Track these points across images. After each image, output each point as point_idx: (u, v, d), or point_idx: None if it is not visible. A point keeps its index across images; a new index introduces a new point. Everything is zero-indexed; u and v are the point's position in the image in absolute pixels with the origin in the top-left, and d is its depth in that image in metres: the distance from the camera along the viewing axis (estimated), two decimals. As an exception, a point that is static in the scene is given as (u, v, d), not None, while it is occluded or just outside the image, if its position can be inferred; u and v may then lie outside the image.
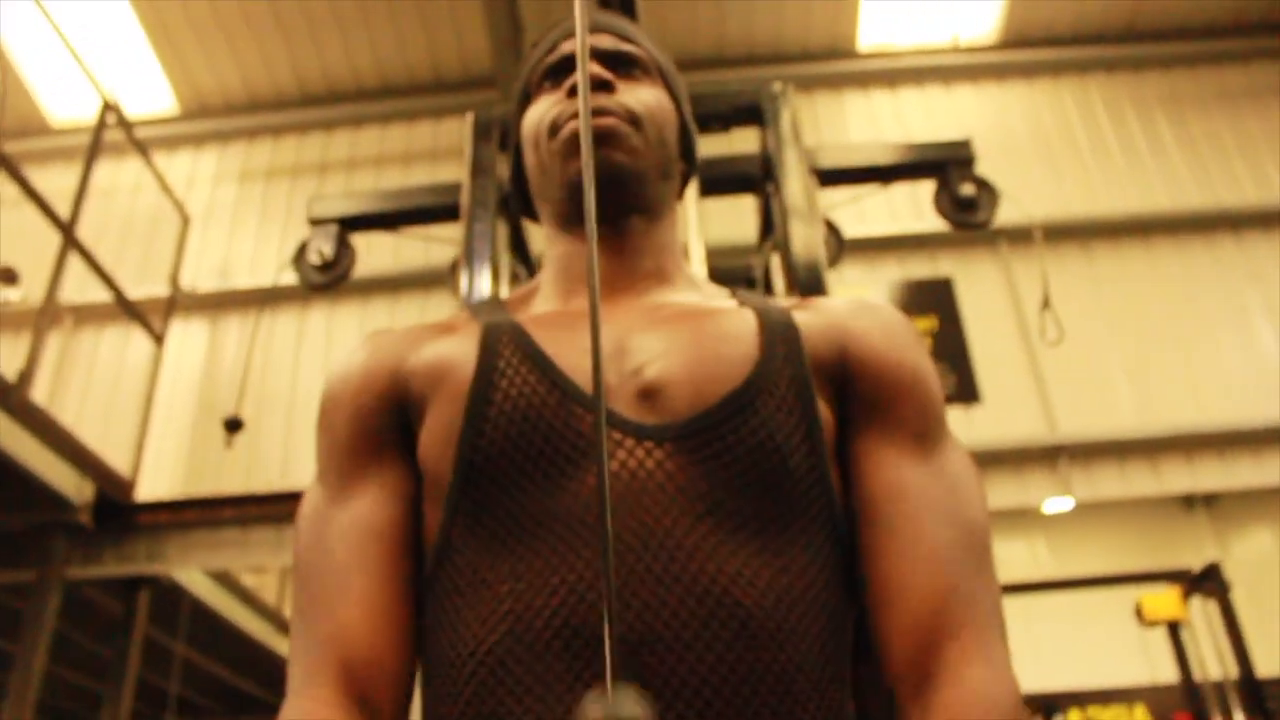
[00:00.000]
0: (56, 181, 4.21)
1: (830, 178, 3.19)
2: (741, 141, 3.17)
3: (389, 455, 0.92)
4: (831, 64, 6.05)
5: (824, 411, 0.91)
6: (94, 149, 4.55)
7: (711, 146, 2.87)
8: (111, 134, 4.79)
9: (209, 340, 5.46)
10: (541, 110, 1.02)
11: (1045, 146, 5.68)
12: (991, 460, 4.90)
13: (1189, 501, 5.20)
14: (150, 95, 5.95)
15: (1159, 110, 5.86)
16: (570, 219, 1.03)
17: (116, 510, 4.50)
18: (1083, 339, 5.07)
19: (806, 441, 0.89)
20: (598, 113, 0.97)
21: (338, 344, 5.37)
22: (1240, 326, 5.21)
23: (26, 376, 3.93)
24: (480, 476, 0.86)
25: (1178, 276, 5.35)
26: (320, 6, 5.68)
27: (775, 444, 0.87)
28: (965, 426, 4.97)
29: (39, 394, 4.05)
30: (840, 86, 6.03)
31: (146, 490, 4.71)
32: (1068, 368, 5.05)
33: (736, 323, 0.96)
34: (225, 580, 5.25)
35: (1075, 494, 4.81)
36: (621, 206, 1.00)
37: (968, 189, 3.19)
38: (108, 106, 4.73)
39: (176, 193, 5.39)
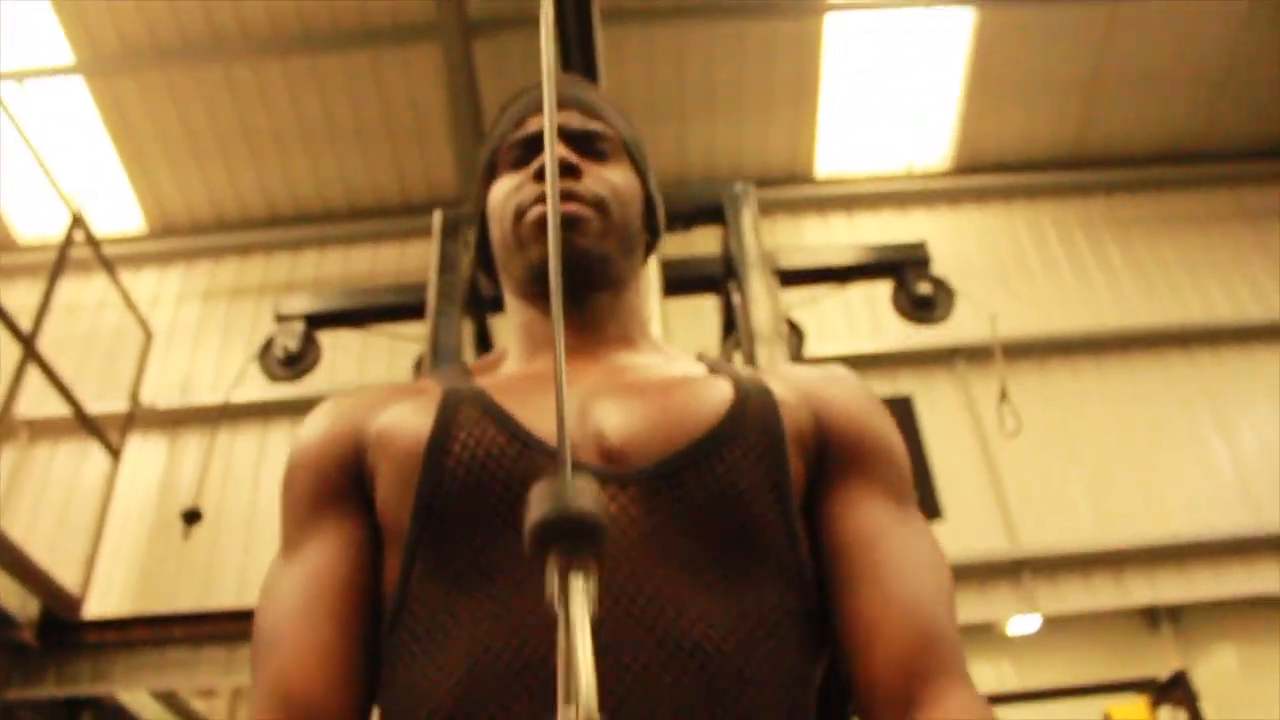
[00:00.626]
0: (21, 298, 4.21)
1: (791, 278, 3.28)
2: (703, 242, 3.24)
3: (345, 510, 0.92)
4: (789, 189, 6.23)
5: (796, 466, 0.91)
6: (59, 263, 4.57)
7: (674, 247, 2.94)
8: (78, 250, 4.82)
9: (167, 456, 5.40)
10: (507, 188, 1.05)
11: (999, 267, 5.84)
12: (955, 575, 4.85)
13: (1153, 616, 5.18)
14: (118, 213, 6.02)
15: (1106, 233, 6.06)
16: (533, 294, 1.06)
17: (62, 628, 4.36)
18: (1041, 454, 5.13)
19: (774, 490, 0.89)
20: (564, 197, 0.99)
21: (298, 461, 5.32)
22: (1194, 440, 5.29)
23: (-24, 488, 3.86)
24: (438, 523, 0.86)
25: (1131, 392, 5.45)
26: (290, 129, 5.81)
27: (739, 490, 0.87)
28: (929, 541, 4.95)
29: (-12, 507, 3.97)
30: (798, 211, 6.20)
31: (95, 608, 4.57)
32: (1028, 483, 5.09)
33: (706, 385, 0.97)
34: (173, 703, 5.07)
35: (1040, 608, 4.79)
36: (586, 287, 1.03)
37: (924, 287, 3.27)
38: (75, 222, 4.78)
39: (140, 309, 5.40)
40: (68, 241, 4.71)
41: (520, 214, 1.02)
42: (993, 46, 5.80)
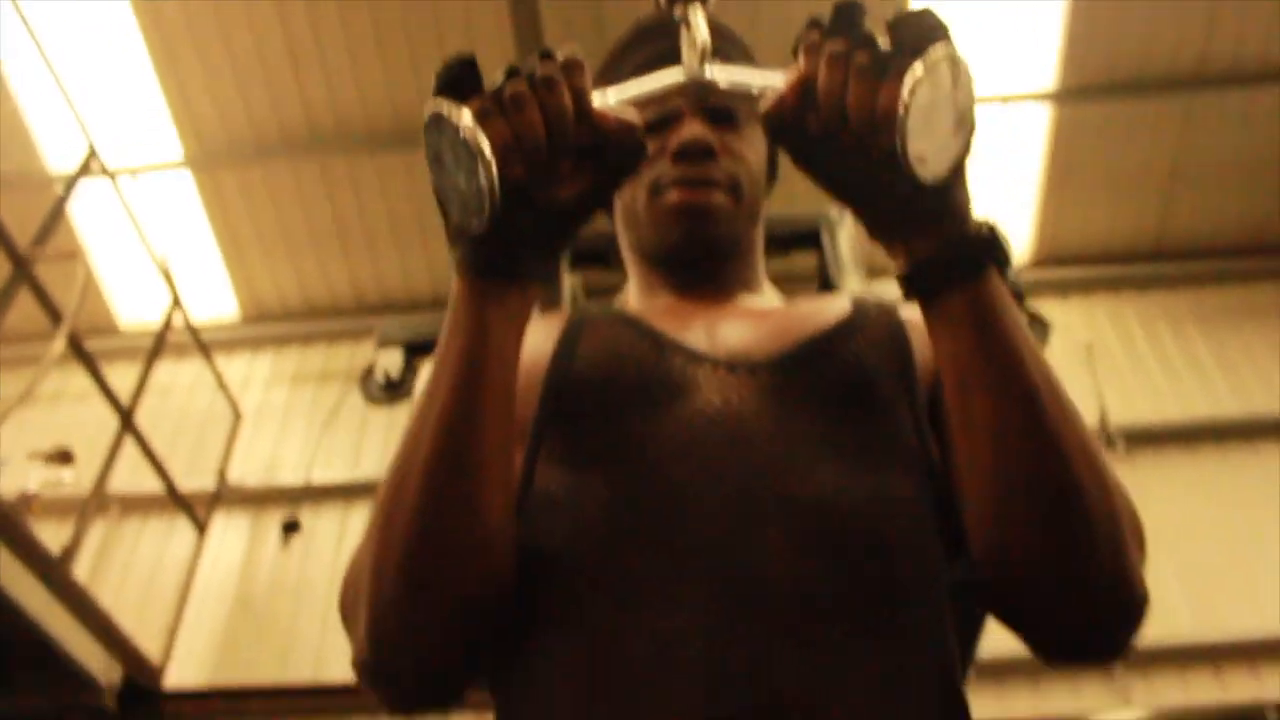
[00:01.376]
0: (119, 380, 4.39)
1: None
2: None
3: None
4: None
5: (921, 357, 0.94)
6: (158, 345, 4.77)
7: (771, 270, 2.97)
8: (175, 335, 5.02)
9: (250, 533, 5.48)
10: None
11: (1082, 360, 5.75)
12: (1045, 669, 4.71)
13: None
14: (214, 300, 6.26)
15: (1191, 325, 5.96)
16: (658, 263, 1.09)
17: (142, 696, 4.40)
18: (1132, 545, 4.97)
19: (900, 379, 0.92)
20: (700, 183, 1.02)
21: (376, 544, 5.37)
22: (1291, 533, 5.09)
23: (70, 552, 3.96)
24: (567, 408, 0.89)
25: (1223, 484, 5.29)
26: (379, 222, 6.05)
27: (866, 372, 0.90)
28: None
29: (80, 574, 4.07)
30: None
31: (175, 679, 4.61)
32: (1118, 574, 4.93)
33: (827, 302, 1.03)
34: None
35: (1135, 702, 4.59)
36: (713, 263, 1.07)
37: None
38: (175, 305, 4.99)
39: (231, 391, 5.57)
40: (166, 325, 4.92)
41: (655, 193, 1.04)
42: (1071, 140, 5.84)
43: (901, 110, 0.68)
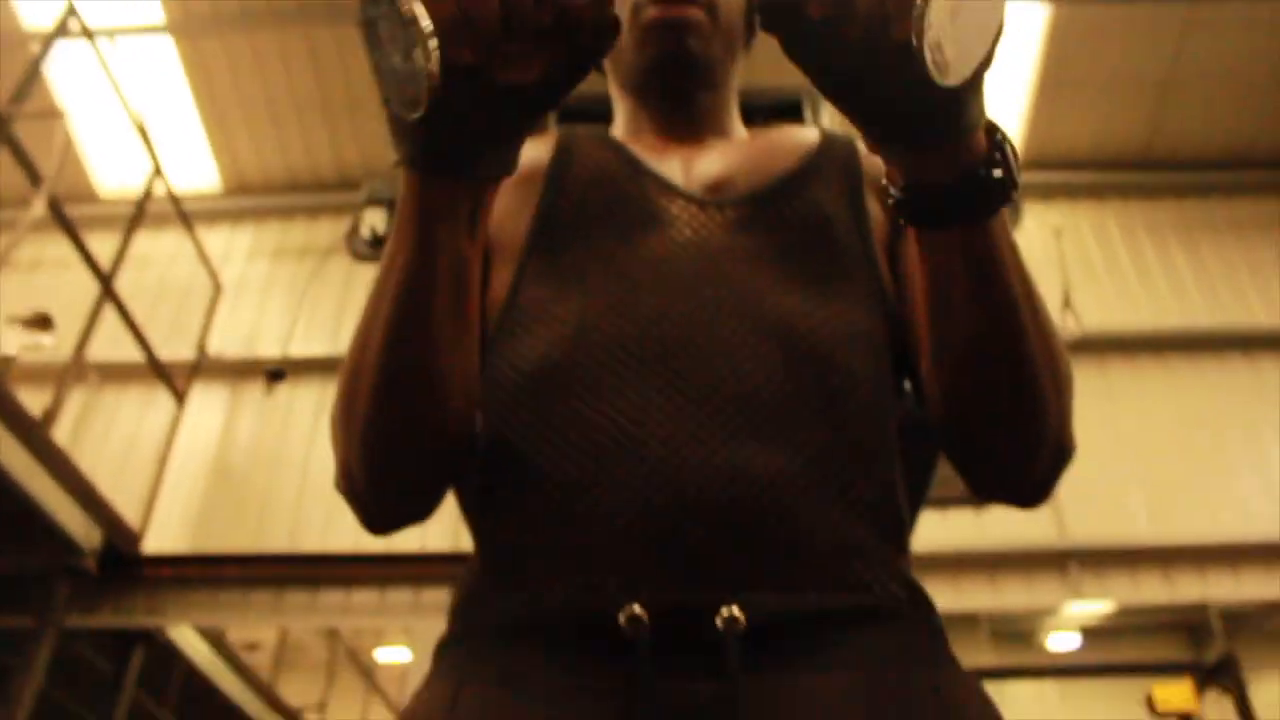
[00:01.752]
0: (98, 248, 4.36)
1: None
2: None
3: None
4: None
5: (874, 208, 0.99)
6: (138, 214, 4.74)
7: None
8: (155, 204, 4.98)
9: (229, 405, 5.54)
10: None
11: (1061, 265, 5.79)
12: (1001, 563, 4.87)
13: (1203, 613, 5.12)
14: (195, 171, 6.20)
15: (1172, 235, 5.99)
16: (641, 89, 1.12)
17: (122, 560, 4.51)
18: (1095, 447, 5.07)
19: (854, 222, 0.96)
20: (679, 1, 1.04)
21: (355, 420, 5.43)
22: (1252, 443, 5.22)
23: (51, 416, 4.01)
24: (554, 230, 0.94)
25: (1191, 392, 5.39)
26: (366, 95, 5.95)
27: (824, 216, 0.95)
28: (976, 530, 4.94)
29: (60, 440, 4.12)
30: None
31: (153, 545, 4.71)
32: (1079, 474, 5.02)
33: (794, 132, 1.07)
34: (220, 648, 5.20)
35: (1087, 597, 4.76)
36: (689, 86, 1.09)
37: None
38: (156, 174, 4.94)
39: (211, 263, 5.56)
40: (147, 194, 4.88)
41: (635, 13, 1.06)
42: (1066, 43, 5.76)
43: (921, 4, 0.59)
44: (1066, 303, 4.00)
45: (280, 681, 6.01)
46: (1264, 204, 6.10)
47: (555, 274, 0.92)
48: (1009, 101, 6.05)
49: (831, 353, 0.85)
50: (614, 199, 0.95)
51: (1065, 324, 4.06)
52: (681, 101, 1.09)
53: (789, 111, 3.10)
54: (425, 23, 0.61)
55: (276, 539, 5.00)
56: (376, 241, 3.45)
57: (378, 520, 0.88)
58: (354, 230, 3.55)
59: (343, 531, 5.07)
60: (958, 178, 0.70)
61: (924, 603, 0.83)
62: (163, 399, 5.15)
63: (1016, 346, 0.77)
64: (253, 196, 6.30)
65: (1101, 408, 5.25)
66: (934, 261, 0.76)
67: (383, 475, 0.83)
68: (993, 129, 0.72)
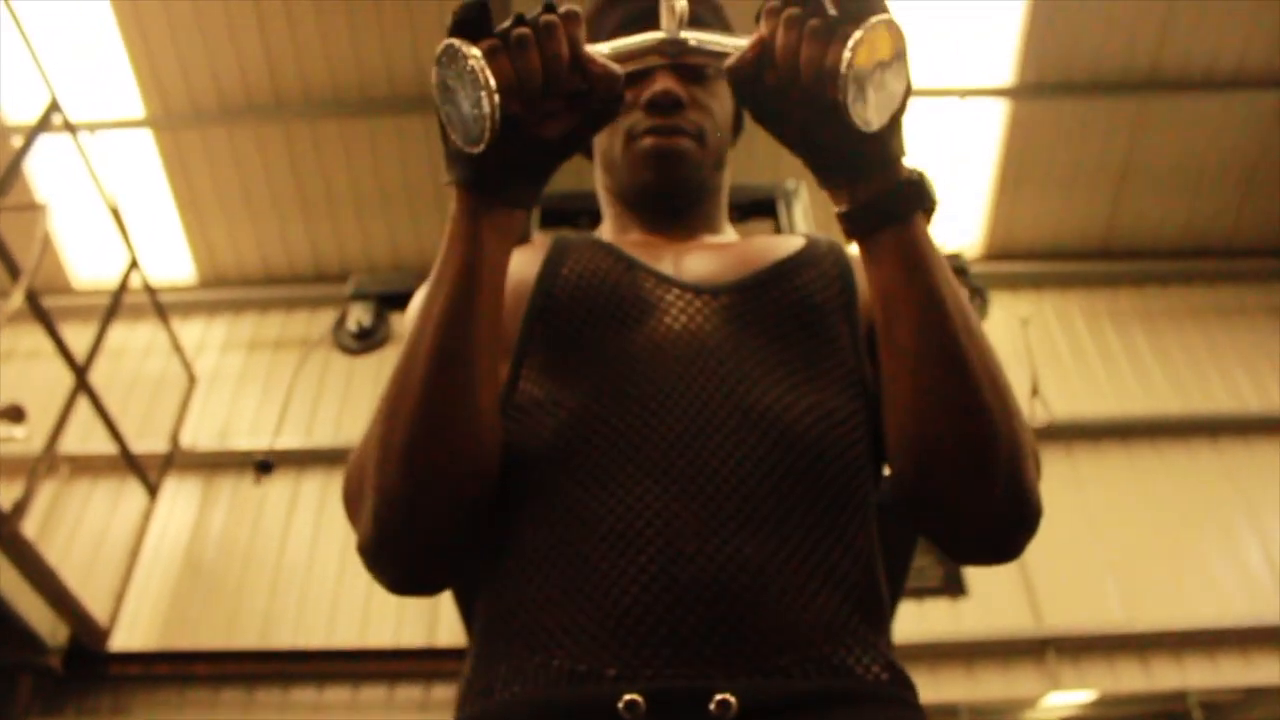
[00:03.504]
0: (73, 339, 4.35)
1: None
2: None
3: None
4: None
5: (862, 311, 1.06)
6: (114, 305, 4.74)
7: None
8: (131, 296, 4.99)
9: (201, 498, 5.48)
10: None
11: (1028, 354, 5.89)
12: (978, 653, 4.86)
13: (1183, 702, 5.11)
14: (171, 263, 6.22)
15: (1135, 323, 6.13)
16: (631, 203, 1.22)
17: (87, 658, 4.42)
18: (1068, 536, 5.12)
19: (843, 311, 1.04)
20: (669, 132, 1.15)
21: (330, 513, 5.39)
22: (1222, 529, 5.28)
23: (21, 509, 3.96)
24: (549, 323, 1.01)
25: (1159, 480, 5.46)
26: (342, 190, 6.03)
27: (814, 303, 1.03)
28: (952, 620, 4.95)
29: (28, 533, 4.05)
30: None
31: (122, 641, 4.62)
32: (1054, 564, 5.07)
33: (782, 239, 1.16)
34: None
35: (1064, 687, 4.74)
36: (683, 206, 1.19)
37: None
38: (132, 266, 4.96)
39: (186, 355, 5.55)
40: (123, 285, 4.89)
41: (630, 139, 1.17)
42: (1025, 137, 5.96)
43: (844, 68, 0.80)
44: (1035, 391, 4.09)
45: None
46: (1221, 292, 6.28)
47: (553, 364, 0.99)
48: (973, 197, 6.22)
49: (816, 442, 0.92)
50: (606, 290, 1.02)
51: (1034, 412, 4.13)
52: (673, 217, 1.19)
53: (763, 207, 3.22)
54: (491, 79, 0.82)
55: (248, 635, 4.91)
56: (363, 334, 3.49)
57: (402, 572, 0.93)
58: (340, 323, 3.59)
59: (315, 628, 5.00)
60: (886, 192, 0.89)
61: (905, 683, 0.89)
62: (135, 492, 5.10)
63: (949, 346, 0.87)
64: (229, 289, 6.32)
65: (1071, 496, 5.30)
66: (877, 272, 0.91)
67: (417, 515, 0.89)
68: (914, 170, 0.90)
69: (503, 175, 0.90)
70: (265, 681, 4.65)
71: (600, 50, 0.92)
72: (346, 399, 5.82)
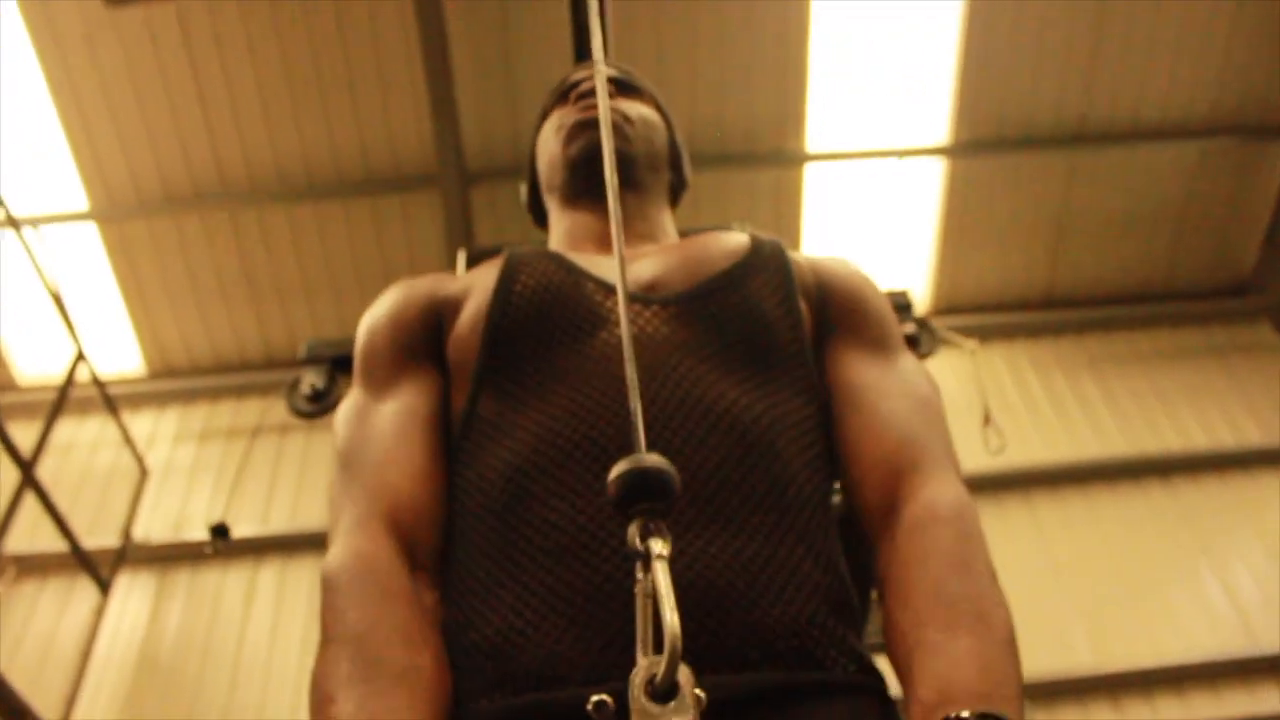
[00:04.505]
0: (19, 436, 4.27)
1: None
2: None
3: (425, 363, 1.08)
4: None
5: (804, 307, 1.09)
6: (61, 400, 4.67)
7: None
8: (78, 390, 4.92)
9: (156, 592, 5.34)
10: (554, 121, 1.25)
11: (982, 401, 5.97)
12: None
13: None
14: (119, 355, 6.13)
15: (1083, 370, 6.24)
16: (573, 194, 1.24)
17: (39, 767, 4.24)
18: (1030, 582, 5.14)
19: (788, 316, 1.06)
20: (594, 106, 1.18)
21: (289, 601, 5.28)
22: (1181, 566, 5.33)
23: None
24: (506, 342, 1.01)
25: (1116, 522, 5.52)
26: (291, 275, 6.02)
27: (761, 311, 1.04)
28: (924, 672, 4.92)
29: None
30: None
31: (74, 747, 4.45)
32: (1020, 610, 5.03)
33: (725, 236, 1.17)
34: None
35: (1039, 734, 4.72)
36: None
37: (907, 328, 3.40)
38: (79, 360, 4.89)
39: (137, 448, 5.46)
40: (69, 380, 4.82)
41: (563, 127, 1.22)
42: (964, 193, 6.11)
43: None
44: (987, 420, 4.15)
45: None
46: (1161, 335, 6.41)
47: (510, 383, 0.99)
48: (916, 254, 6.34)
49: (773, 442, 0.94)
50: (558, 304, 1.03)
51: (988, 440, 4.18)
52: (604, 198, 1.15)
53: None
54: None
55: (207, 734, 4.76)
56: (316, 396, 3.46)
57: None
58: (294, 387, 3.56)
59: None
60: None
61: (875, 674, 0.91)
62: (86, 590, 4.96)
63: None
64: (178, 379, 6.24)
65: (1032, 541, 5.35)
66: None
67: None
68: None
69: None
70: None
71: None
72: (303, 478, 5.74)
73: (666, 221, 1.28)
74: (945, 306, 6.48)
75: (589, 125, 1.18)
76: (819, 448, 0.99)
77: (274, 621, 5.23)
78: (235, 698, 4.98)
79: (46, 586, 5.27)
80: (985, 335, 6.39)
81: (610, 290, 1.05)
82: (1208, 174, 6.12)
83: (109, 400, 5.17)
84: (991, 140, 5.90)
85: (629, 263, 1.11)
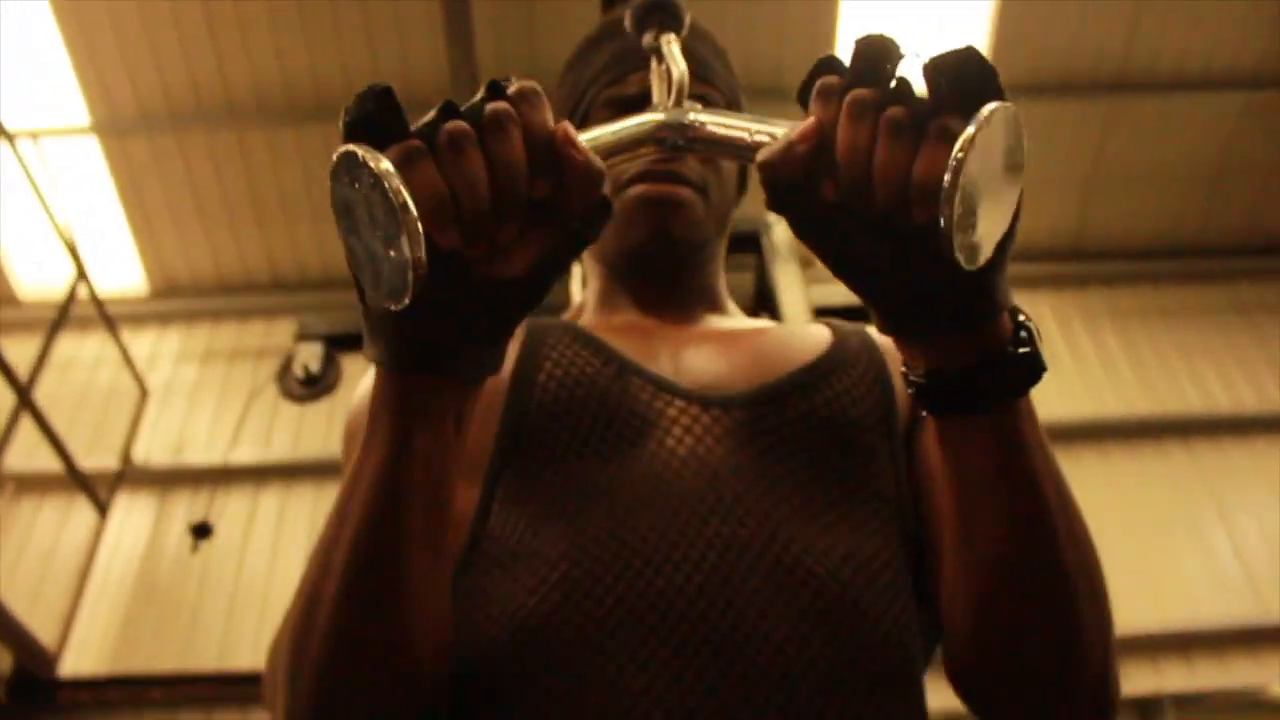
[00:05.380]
0: (17, 353, 4.18)
1: (823, 314, 3.28)
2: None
3: None
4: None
5: (900, 408, 0.88)
6: (60, 318, 4.57)
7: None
8: (78, 308, 4.82)
9: (155, 516, 5.30)
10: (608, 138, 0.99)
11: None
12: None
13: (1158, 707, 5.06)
14: (120, 273, 6.02)
15: (1106, 323, 6.09)
16: (621, 270, 1.01)
17: (35, 686, 4.23)
18: (1042, 540, 5.07)
19: (883, 422, 0.86)
20: (668, 178, 0.95)
21: (289, 527, 5.23)
22: (1195, 529, 5.24)
23: (-40, 534, 3.78)
24: (526, 445, 0.81)
25: (1132, 481, 5.42)
26: (298, 197, 5.86)
27: (849, 417, 0.83)
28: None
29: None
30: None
31: (71, 667, 4.44)
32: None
33: (801, 330, 0.95)
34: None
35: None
36: (675, 266, 0.99)
37: None
38: (80, 277, 4.79)
39: (137, 367, 5.37)
40: (70, 297, 4.72)
41: (619, 188, 0.96)
42: (993, 140, 5.90)
43: (947, 181, 0.54)
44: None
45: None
46: (1189, 292, 6.25)
47: (532, 498, 0.79)
48: (941, 197, 6.17)
49: (857, 600, 0.76)
50: (594, 404, 0.82)
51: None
52: (667, 283, 1.00)
53: (746, 243, 3.05)
54: (410, 202, 0.55)
55: (205, 658, 4.74)
56: (310, 381, 3.27)
57: None
58: (286, 368, 3.37)
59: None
60: (983, 360, 0.65)
61: None
62: (84, 511, 4.91)
63: (1048, 554, 0.69)
64: (181, 299, 6.12)
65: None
66: (958, 455, 0.69)
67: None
68: (1014, 309, 0.67)
69: (441, 342, 0.62)
70: (224, 704, 4.49)
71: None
72: (306, 405, 5.65)
73: (723, 286, 1.06)
74: (967, 254, 6.32)
75: (660, 204, 0.94)
76: (907, 597, 0.80)
77: (274, 548, 5.19)
78: (232, 626, 4.96)
79: (45, 505, 5.22)
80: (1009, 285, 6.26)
81: (662, 388, 0.84)
82: (1249, 128, 5.90)
83: (108, 319, 5.07)
84: (1026, 84, 5.68)
85: (681, 349, 0.91)
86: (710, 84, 1.00)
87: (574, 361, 0.85)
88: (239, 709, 4.46)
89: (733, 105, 1.03)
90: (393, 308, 0.57)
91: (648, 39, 0.80)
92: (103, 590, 4.94)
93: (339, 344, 3.48)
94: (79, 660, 4.63)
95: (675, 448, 0.79)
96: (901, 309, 0.65)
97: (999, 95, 0.56)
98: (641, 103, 0.91)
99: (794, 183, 0.60)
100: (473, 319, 0.63)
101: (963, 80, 0.56)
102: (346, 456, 0.90)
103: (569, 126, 0.61)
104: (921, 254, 0.59)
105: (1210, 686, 4.72)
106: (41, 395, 4.37)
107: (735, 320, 1.04)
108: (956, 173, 0.54)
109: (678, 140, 0.73)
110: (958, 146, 0.54)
